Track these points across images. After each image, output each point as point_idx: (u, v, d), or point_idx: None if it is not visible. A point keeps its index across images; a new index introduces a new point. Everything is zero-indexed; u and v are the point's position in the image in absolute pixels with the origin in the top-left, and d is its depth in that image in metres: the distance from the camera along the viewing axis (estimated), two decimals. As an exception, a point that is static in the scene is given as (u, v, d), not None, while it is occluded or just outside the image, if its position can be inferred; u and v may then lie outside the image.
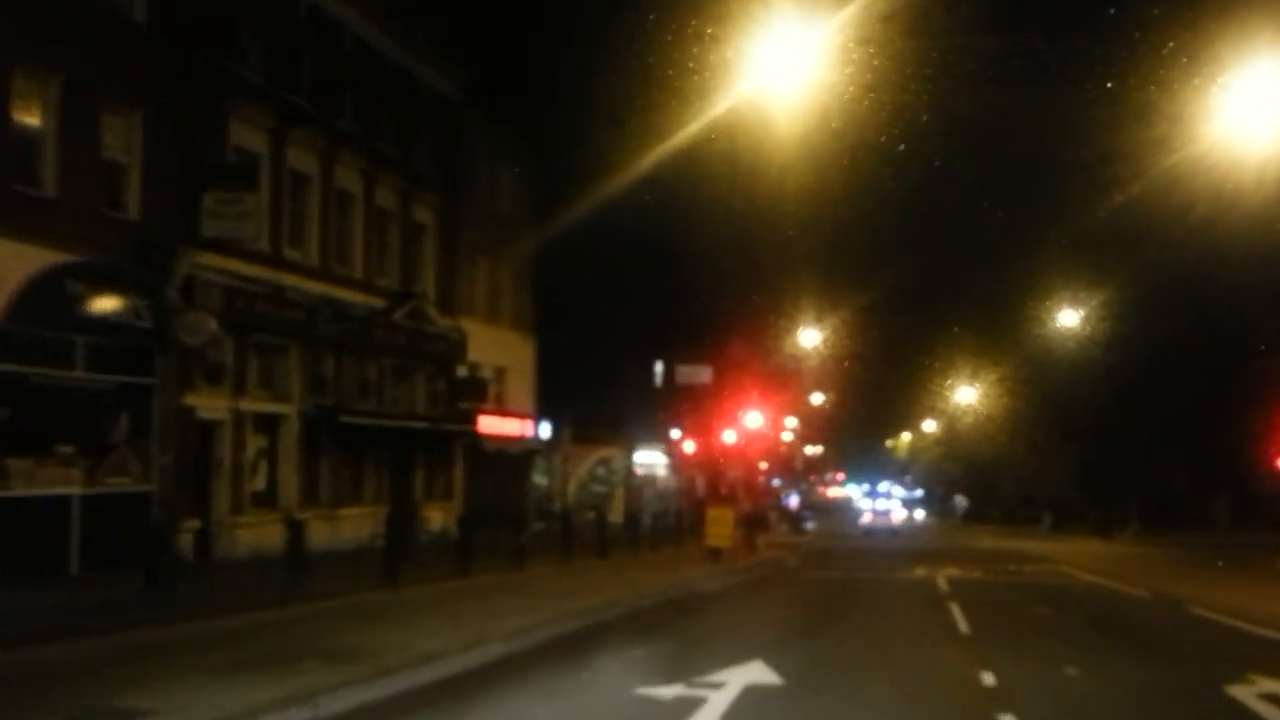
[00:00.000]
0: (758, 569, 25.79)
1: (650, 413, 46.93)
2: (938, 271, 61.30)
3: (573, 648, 11.84)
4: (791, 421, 69.02)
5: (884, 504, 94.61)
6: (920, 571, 25.53)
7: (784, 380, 52.53)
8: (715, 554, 25.78)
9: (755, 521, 37.71)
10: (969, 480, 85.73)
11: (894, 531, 62.02)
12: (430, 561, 19.89)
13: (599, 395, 44.10)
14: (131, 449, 19.40)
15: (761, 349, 46.84)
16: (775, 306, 47.84)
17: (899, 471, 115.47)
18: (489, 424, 32.61)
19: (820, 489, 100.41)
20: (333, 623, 12.55)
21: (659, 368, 47.93)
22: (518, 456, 34.98)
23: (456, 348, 30.37)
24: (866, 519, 73.70)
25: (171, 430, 20.06)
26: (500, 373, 34.52)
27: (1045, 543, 45.93)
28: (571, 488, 44.94)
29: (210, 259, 20.96)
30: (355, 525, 25.15)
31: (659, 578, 20.54)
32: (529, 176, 35.62)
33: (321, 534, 24.18)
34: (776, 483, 72.08)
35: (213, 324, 20.00)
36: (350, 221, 26.29)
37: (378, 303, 26.91)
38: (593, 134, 31.08)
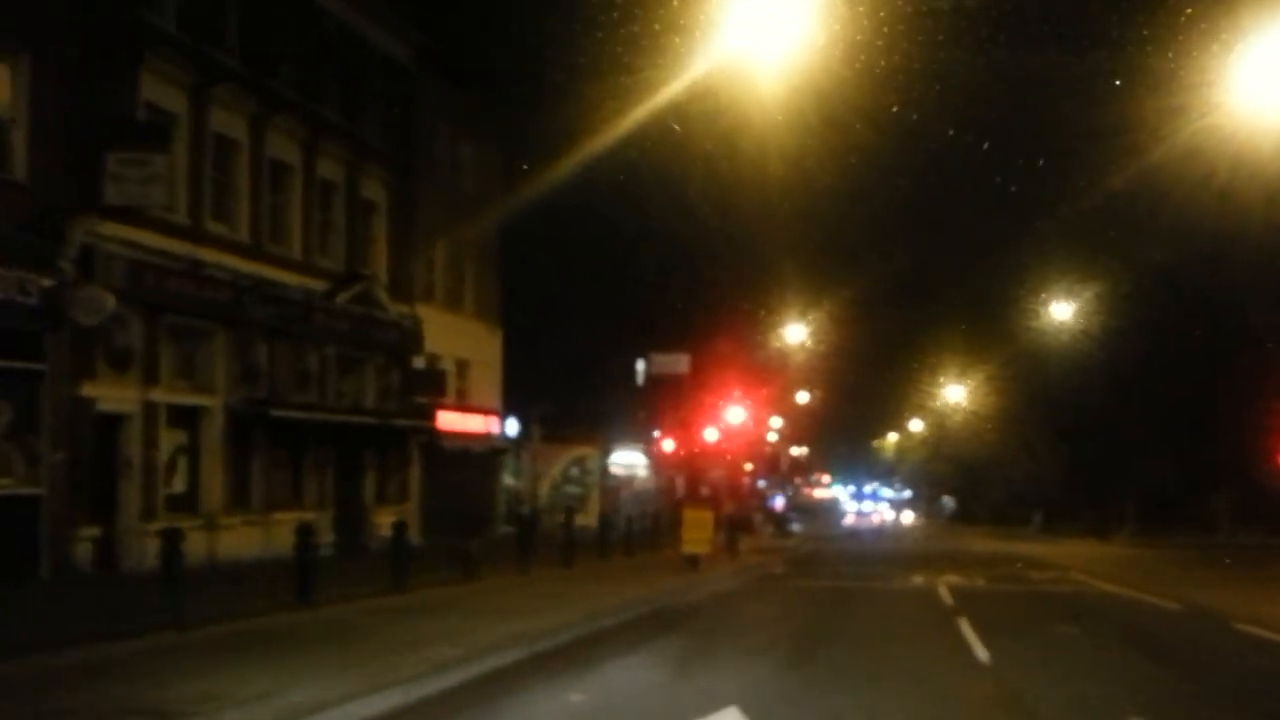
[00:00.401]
0: (739, 577, 23.36)
1: (628, 410, 44.43)
2: (926, 265, 59.33)
3: (496, 693, 9.34)
4: (777, 422, 66.83)
5: (867, 506, 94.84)
6: (918, 579, 23.15)
7: (768, 376, 50.16)
8: (693, 561, 23.37)
9: (739, 524, 35.34)
10: (957, 480, 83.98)
11: (876, 532, 61.44)
12: (367, 574, 17.35)
13: (572, 391, 41.65)
14: (15, 445, 16.84)
15: (745, 343, 44.46)
16: (759, 299, 45.63)
17: (886, 472, 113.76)
18: (449, 420, 30.10)
19: (806, 490, 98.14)
20: (198, 659, 10.01)
21: (640, 366, 45.55)
22: (482, 456, 32.46)
23: (411, 337, 27.83)
24: (849, 520, 73.86)
25: (65, 424, 17.49)
26: (462, 365, 32.01)
27: (1039, 544, 43.81)
28: (544, 489, 42.47)
29: (113, 229, 18.41)
30: (293, 532, 22.61)
31: (627, 590, 18.09)
32: (494, 152, 33.06)
33: (253, 542, 21.78)
34: (762, 484, 69.87)
35: (110, 300, 17.43)
36: (286, 195, 23.73)
37: (319, 285, 24.37)
38: (564, 106, 28.61)
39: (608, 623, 14.00)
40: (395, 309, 27.08)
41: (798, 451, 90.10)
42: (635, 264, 39.36)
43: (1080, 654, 12.10)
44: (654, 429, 45.71)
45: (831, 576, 24.19)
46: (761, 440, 64.65)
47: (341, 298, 24.72)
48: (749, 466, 68.02)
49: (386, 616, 13.53)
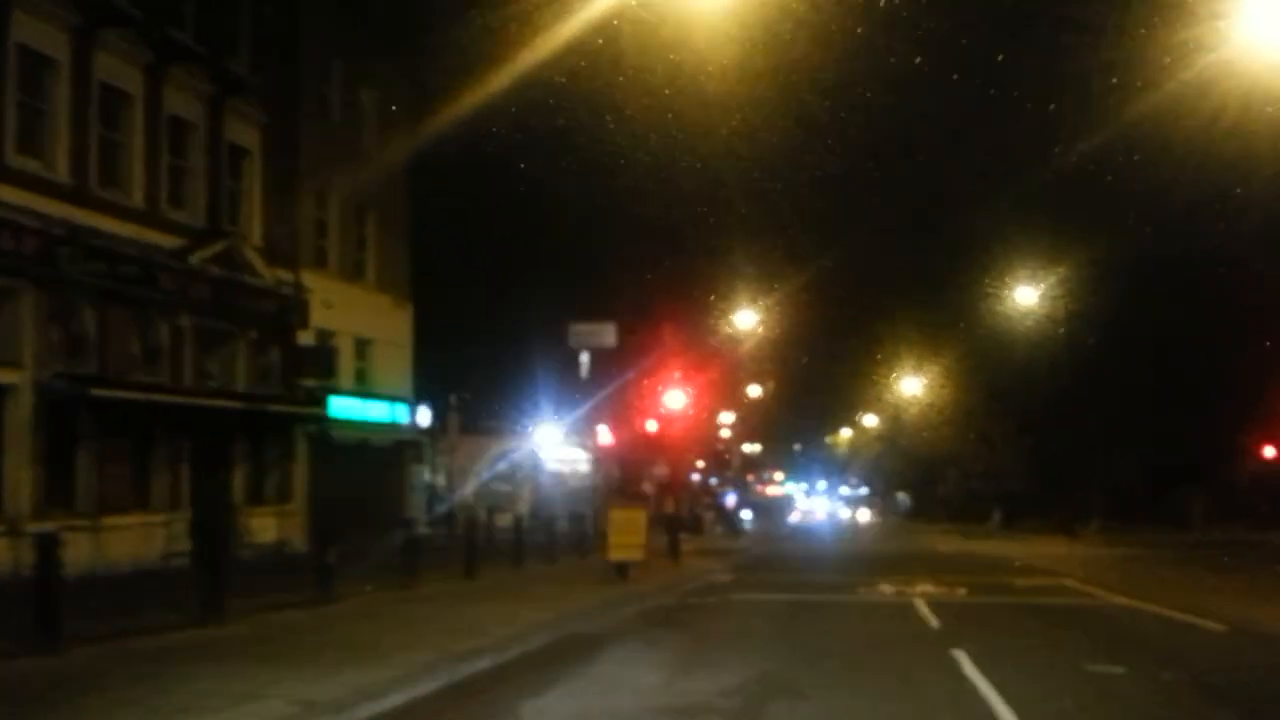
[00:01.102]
0: (677, 589, 19.53)
1: (569, 400, 40.38)
2: (884, 246, 56.37)
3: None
4: (728, 417, 63.61)
5: (813, 503, 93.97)
6: (886, 588, 19.45)
7: (715, 361, 46.52)
8: (622, 570, 19.55)
9: (683, 524, 31.59)
10: (912, 476, 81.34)
11: (819, 526, 65.59)
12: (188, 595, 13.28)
13: (500, 378, 37.76)
14: None
15: (690, 326, 40.70)
16: (705, 279, 42.05)
17: (839, 469, 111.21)
18: (344, 407, 26.03)
19: (759, 488, 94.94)
20: None
21: (585, 358, 41.64)
22: (387, 449, 28.32)
23: (293, 308, 23.68)
24: (795, 516, 74.27)
25: None
26: (363, 344, 27.88)
27: (1005, 543, 40.71)
28: (470, 486, 38.47)
29: None
30: (137, 540, 18.70)
31: (530, 610, 14.25)
32: (400, 100, 28.83)
33: (78, 551, 17.51)
34: (714, 481, 66.47)
35: None
36: (125, 131, 19.54)
37: (170, 241, 20.15)
38: (479, 43, 24.66)
39: (482, 666, 10.11)
40: (272, 274, 22.90)
41: (750, 449, 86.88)
42: (567, 235, 35.44)
43: (1146, 714, 8.39)
44: (595, 419, 41.80)
45: (786, 586, 20.44)
46: (713, 436, 61.28)
47: (197, 257, 20.50)
48: (700, 464, 64.56)
49: (154, 666, 9.49)
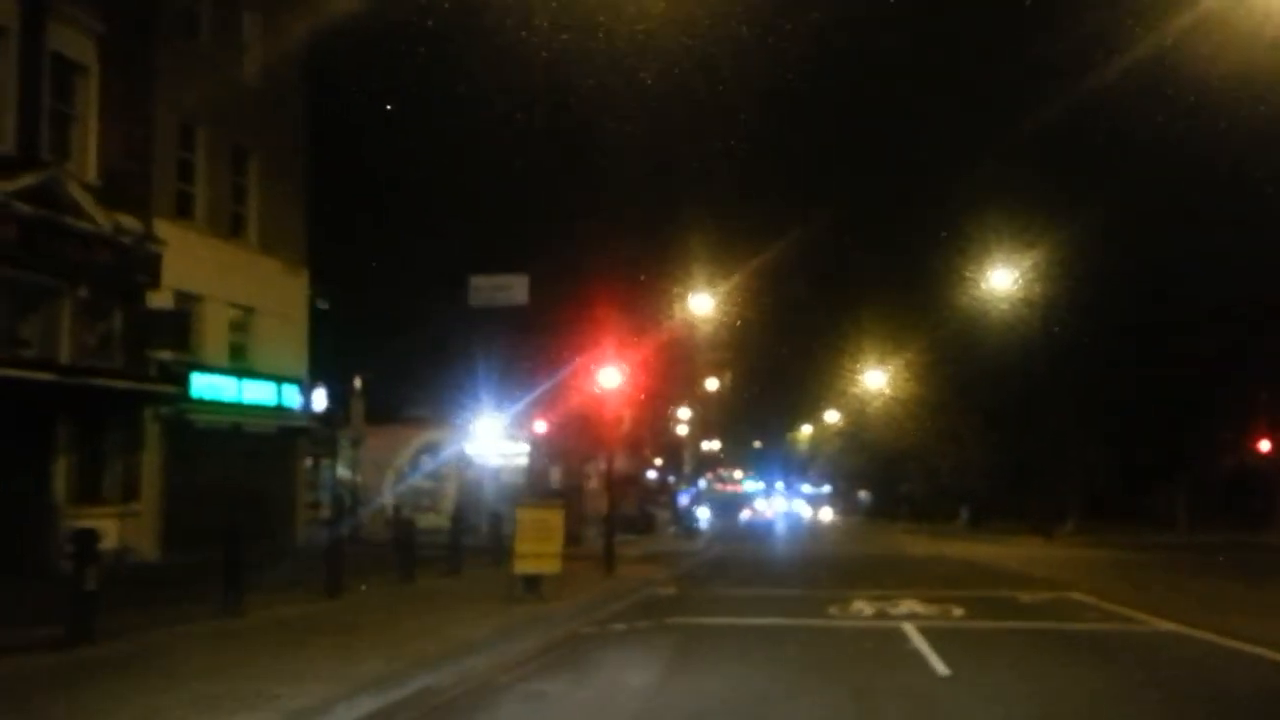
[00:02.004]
0: (602, 609, 15.54)
1: (507, 386, 36.10)
2: (848, 230, 53.41)
3: None
4: (686, 413, 60.27)
5: (767, 502, 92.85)
6: (864, 606, 15.54)
7: (674, 350, 42.74)
8: (532, 586, 15.51)
9: (628, 524, 27.57)
10: (874, 473, 78.40)
11: (770, 523, 65.49)
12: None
13: (425, 360, 33.54)
14: None
15: (648, 307, 36.87)
16: (664, 264, 38.54)
17: (800, 466, 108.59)
18: (213, 386, 21.74)
19: (719, 485, 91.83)
20: None
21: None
22: (270, 438, 23.99)
23: (139, 262, 19.30)
24: (746, 514, 75.04)
25: None
26: (244, 315, 23.54)
27: (977, 544, 37.47)
28: (389, 484, 34.23)
29: None
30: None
31: (375, 654, 10.18)
32: (292, 28, 24.42)
33: None
34: (671, 479, 62.86)
35: None
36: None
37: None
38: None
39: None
40: (109, 219, 18.53)
41: (709, 446, 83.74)
42: (503, 196, 31.24)
43: None
44: (537, 407, 37.57)
45: (738, 604, 16.50)
46: (666, 425, 57.72)
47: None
48: (659, 461, 60.80)
49: None
